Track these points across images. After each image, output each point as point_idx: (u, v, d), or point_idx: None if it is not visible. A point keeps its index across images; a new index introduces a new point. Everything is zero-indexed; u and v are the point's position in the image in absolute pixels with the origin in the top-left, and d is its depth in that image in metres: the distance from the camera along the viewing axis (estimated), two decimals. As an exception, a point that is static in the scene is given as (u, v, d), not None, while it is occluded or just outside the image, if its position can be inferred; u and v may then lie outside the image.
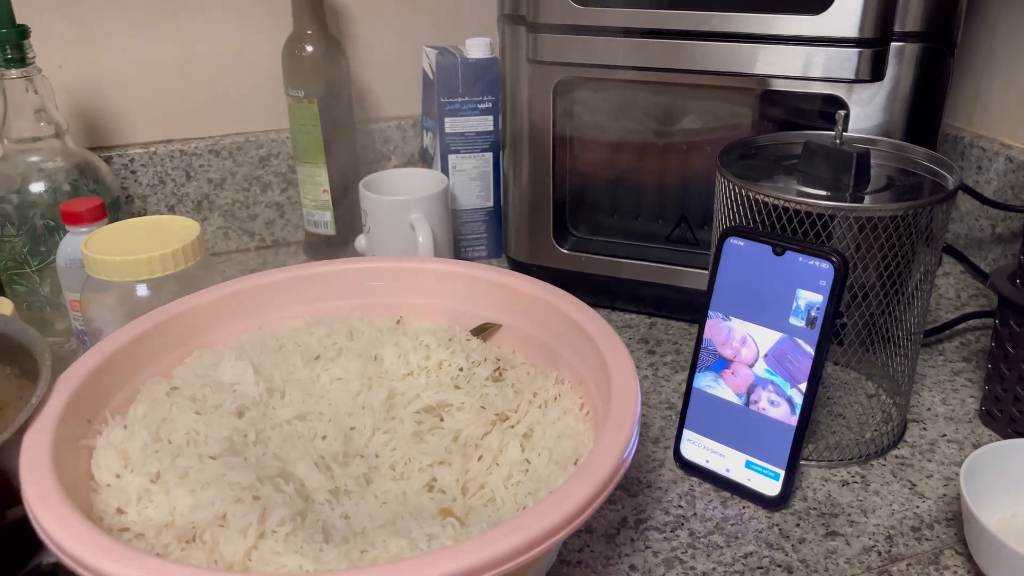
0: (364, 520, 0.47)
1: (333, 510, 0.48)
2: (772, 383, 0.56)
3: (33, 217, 0.75)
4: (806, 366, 0.55)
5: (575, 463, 0.49)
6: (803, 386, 0.55)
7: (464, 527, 0.45)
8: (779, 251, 0.55)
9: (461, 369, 0.58)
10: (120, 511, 0.44)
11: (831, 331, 0.54)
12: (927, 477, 0.60)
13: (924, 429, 0.65)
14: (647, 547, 0.54)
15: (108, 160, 0.87)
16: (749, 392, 0.57)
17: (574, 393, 0.56)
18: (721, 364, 0.58)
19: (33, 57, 0.73)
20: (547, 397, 0.56)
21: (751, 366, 0.56)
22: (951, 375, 0.71)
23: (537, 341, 0.60)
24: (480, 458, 0.52)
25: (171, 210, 0.92)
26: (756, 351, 0.56)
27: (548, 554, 0.42)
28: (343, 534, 0.45)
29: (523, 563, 0.38)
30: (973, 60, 0.90)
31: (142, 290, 0.63)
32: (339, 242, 0.91)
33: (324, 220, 0.90)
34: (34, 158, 0.76)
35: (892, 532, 0.55)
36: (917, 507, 0.57)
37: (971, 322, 0.78)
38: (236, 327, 0.61)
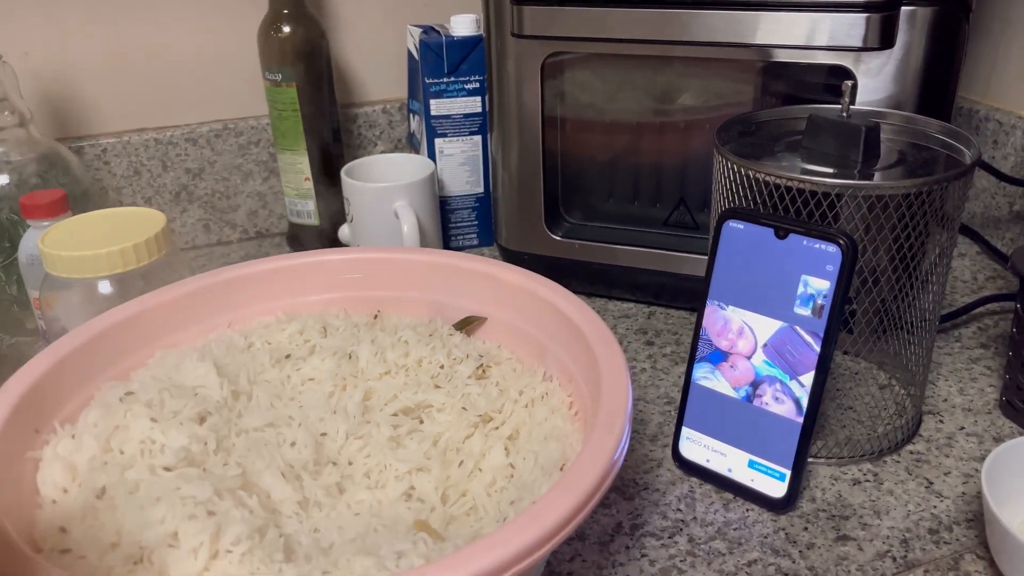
0: (333, 534, 0.44)
1: (302, 523, 0.45)
2: (778, 380, 0.51)
3: (-1, 212, 0.72)
4: (808, 358, 0.50)
5: (561, 468, 0.46)
6: (804, 378, 0.51)
7: (438, 542, 0.42)
8: (782, 234, 0.51)
9: (442, 367, 0.54)
10: (63, 530, 0.41)
11: (839, 319, 0.50)
12: (944, 474, 0.56)
13: (940, 422, 0.61)
14: (643, 555, 0.50)
15: (79, 151, 0.84)
16: (753, 387, 0.53)
17: (563, 390, 0.52)
18: (718, 356, 0.54)
19: (-8, 43, 0.69)
20: (534, 396, 0.52)
21: (749, 358, 0.52)
22: (968, 363, 0.67)
23: (524, 335, 0.56)
24: (461, 463, 0.48)
25: (148, 202, 0.88)
26: (754, 342, 0.52)
27: (531, 571, 0.38)
28: (307, 551, 0.42)
29: (500, 584, 0.35)
30: (989, 28, 0.85)
31: (105, 287, 0.59)
32: (324, 232, 0.87)
33: (307, 209, 0.86)
34: (-3, 149, 0.72)
35: (908, 535, 0.51)
36: (934, 507, 0.53)
37: (989, 306, 0.74)
38: (203, 325, 0.57)
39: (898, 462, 0.57)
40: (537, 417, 0.51)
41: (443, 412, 0.52)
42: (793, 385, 0.51)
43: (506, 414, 0.51)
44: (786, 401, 0.52)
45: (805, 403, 0.51)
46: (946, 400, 0.63)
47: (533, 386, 0.53)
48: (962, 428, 0.60)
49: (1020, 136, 0.80)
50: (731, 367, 0.53)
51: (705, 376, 0.55)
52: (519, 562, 0.35)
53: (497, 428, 0.51)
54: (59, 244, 0.59)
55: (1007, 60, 0.83)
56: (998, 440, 0.59)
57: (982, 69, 0.86)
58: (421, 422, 0.52)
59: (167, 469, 0.43)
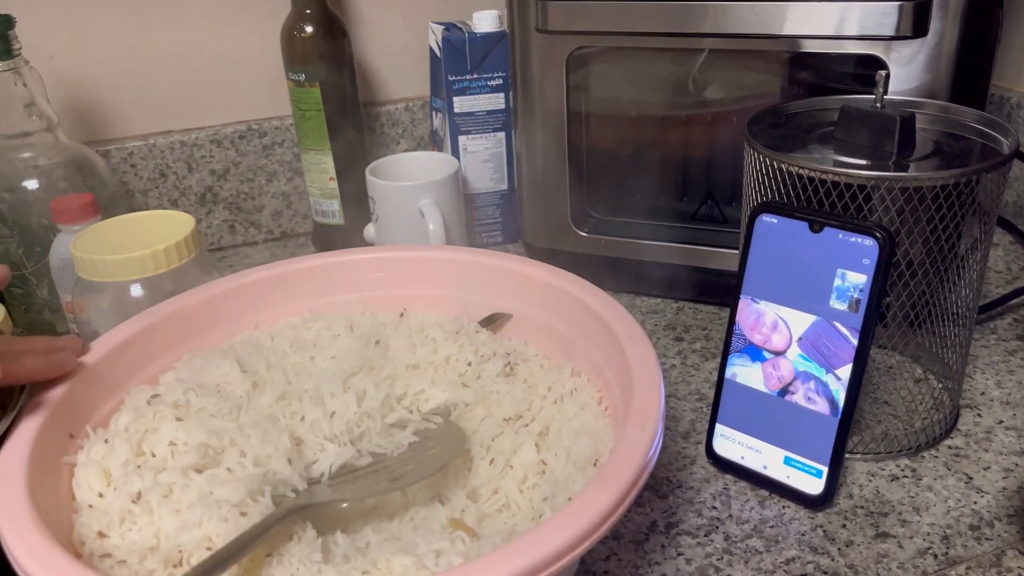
0: (369, 534, 0.44)
1: (335, 523, 0.45)
2: (813, 377, 0.51)
3: (28, 216, 0.72)
4: (844, 350, 0.50)
5: (595, 464, 0.45)
6: (841, 371, 0.50)
7: (475, 539, 0.42)
8: (817, 228, 0.50)
9: (469, 364, 0.54)
10: (102, 535, 0.41)
11: (876, 314, 0.49)
12: (984, 469, 0.55)
13: (979, 416, 0.60)
14: (679, 554, 0.50)
15: (106, 154, 0.84)
16: (787, 385, 0.52)
17: (592, 386, 0.52)
18: (754, 351, 0.53)
19: (19, 48, 0.70)
20: (563, 391, 0.52)
21: (784, 352, 0.52)
22: (1005, 355, 0.66)
23: (551, 331, 0.56)
24: (492, 461, 0.48)
25: (174, 204, 0.88)
26: (789, 336, 0.52)
27: (569, 568, 0.38)
28: (344, 551, 0.42)
29: (539, 582, 0.35)
30: (1020, 13, 0.83)
31: (136, 290, 0.60)
32: (349, 232, 0.87)
33: (332, 209, 0.86)
34: (26, 154, 0.72)
35: (948, 532, 0.50)
36: (975, 503, 0.52)
37: (1024, 297, 0.73)
38: (230, 328, 0.57)
39: (936, 457, 0.56)
40: (567, 413, 0.51)
41: (471, 410, 0.52)
42: (829, 379, 0.50)
43: (535, 411, 0.51)
44: (819, 401, 0.51)
45: (842, 398, 0.50)
46: (983, 393, 0.62)
47: (561, 382, 0.53)
48: (1000, 422, 0.59)
49: (1054, 123, 0.79)
50: (775, 374, 0.52)
51: (741, 367, 0.54)
52: (562, 558, 0.35)
53: (527, 425, 0.51)
54: (91, 248, 0.59)
55: (1040, 46, 0.82)
56: (1038, 434, 0.58)
57: (1014, 55, 0.84)
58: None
59: (198, 471, 0.43)
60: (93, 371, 0.49)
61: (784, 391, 0.52)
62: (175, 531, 0.40)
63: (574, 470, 0.46)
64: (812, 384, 0.51)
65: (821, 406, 0.51)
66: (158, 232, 0.61)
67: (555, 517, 0.37)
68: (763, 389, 0.53)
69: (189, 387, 0.48)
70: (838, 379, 0.50)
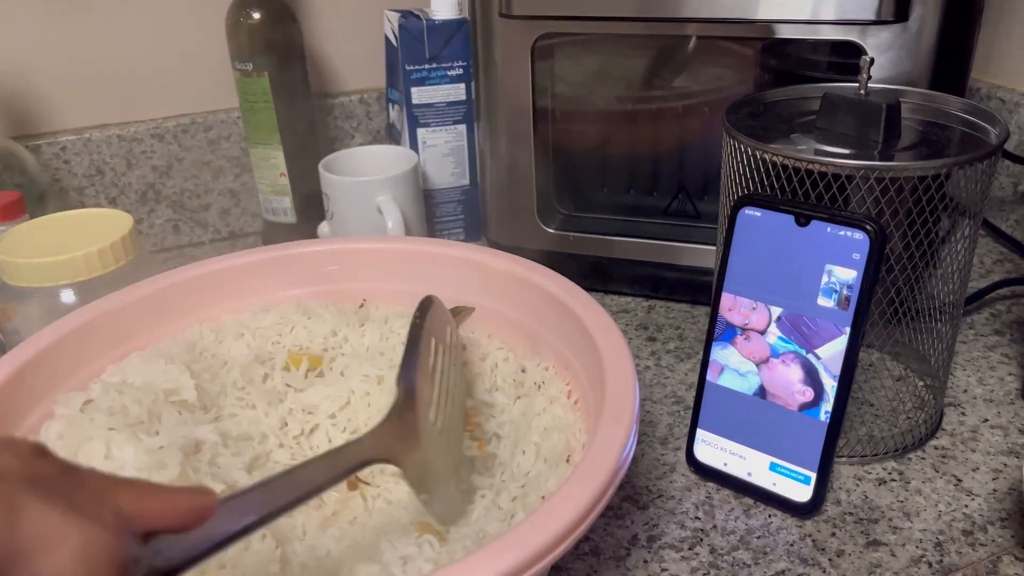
0: (330, 542, 0.40)
1: (293, 531, 0.41)
2: (791, 352, 0.48)
3: (-50, 216, 0.66)
4: (826, 330, 0.47)
5: (567, 460, 0.43)
6: (821, 351, 0.47)
7: (444, 544, 0.38)
8: (803, 221, 0.47)
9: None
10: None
11: (867, 311, 0.46)
12: (973, 470, 0.53)
13: (963, 414, 0.58)
14: (663, 569, 0.47)
15: (36, 149, 0.78)
16: (764, 361, 0.49)
17: (560, 379, 0.49)
18: (732, 334, 0.50)
19: (-63, 34, 0.64)
20: (529, 386, 0.49)
21: (762, 333, 0.49)
22: (985, 351, 0.64)
23: (515, 323, 0.53)
24: None
25: (112, 202, 0.83)
26: (768, 317, 0.49)
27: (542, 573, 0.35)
28: (303, 560, 0.38)
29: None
30: (989, 3, 0.82)
31: (68, 296, 0.55)
32: (301, 230, 0.82)
33: (283, 207, 0.81)
34: (-54, 149, 0.67)
35: (941, 538, 0.48)
36: (966, 506, 0.50)
37: (999, 291, 0.71)
38: (170, 327, 0.53)
39: (923, 459, 0.54)
40: (535, 408, 0.48)
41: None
42: (810, 357, 0.48)
43: (500, 406, 0.48)
44: (794, 368, 0.48)
45: (832, 397, 0.48)
46: (966, 391, 0.60)
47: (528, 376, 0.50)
48: (986, 420, 0.57)
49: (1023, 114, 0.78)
50: (746, 339, 0.50)
51: (723, 364, 0.51)
52: (538, 561, 0.32)
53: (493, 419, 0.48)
54: (16, 250, 0.54)
55: (1009, 37, 0.81)
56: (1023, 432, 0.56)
57: (982, 46, 0.83)
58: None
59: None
60: (22, 375, 0.44)
61: (759, 366, 0.49)
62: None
63: (545, 467, 0.43)
64: (790, 355, 0.48)
65: (795, 374, 0.48)
66: (92, 233, 0.56)
67: (531, 517, 0.34)
68: (746, 377, 0.50)
69: (127, 393, 0.44)
70: (816, 357, 0.48)
